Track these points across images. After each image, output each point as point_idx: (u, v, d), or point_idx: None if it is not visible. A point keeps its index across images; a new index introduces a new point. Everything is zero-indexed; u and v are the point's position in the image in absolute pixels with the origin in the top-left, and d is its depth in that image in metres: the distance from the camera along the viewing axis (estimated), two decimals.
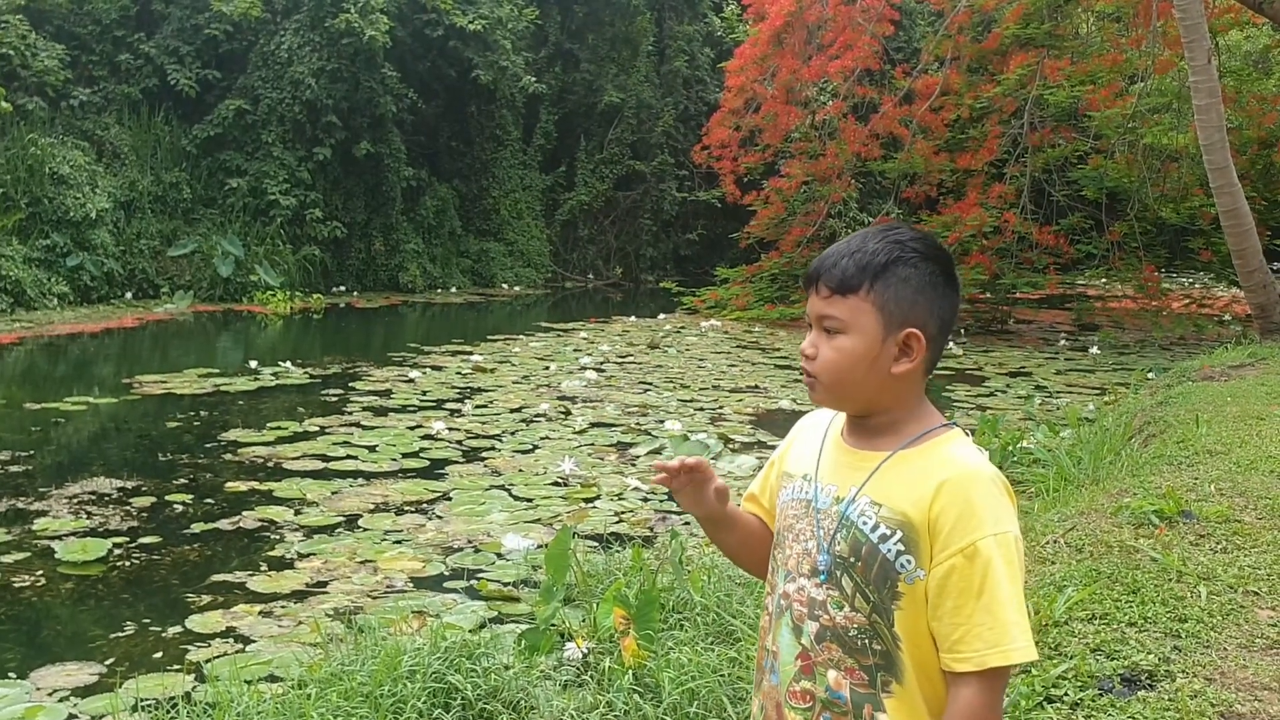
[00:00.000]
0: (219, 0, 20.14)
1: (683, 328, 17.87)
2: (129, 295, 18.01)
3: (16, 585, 5.46)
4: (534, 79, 24.28)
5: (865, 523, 1.50)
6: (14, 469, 7.68)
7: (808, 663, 1.54)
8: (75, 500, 6.91)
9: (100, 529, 6.35)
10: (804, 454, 1.66)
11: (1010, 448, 7.92)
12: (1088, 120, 18.26)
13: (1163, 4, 15.35)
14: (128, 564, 5.83)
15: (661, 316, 19.50)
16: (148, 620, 5.11)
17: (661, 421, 9.73)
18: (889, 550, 1.48)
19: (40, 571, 5.65)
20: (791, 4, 17.59)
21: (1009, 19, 17.87)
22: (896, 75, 20.20)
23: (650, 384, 12.11)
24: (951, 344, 15.55)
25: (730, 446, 8.87)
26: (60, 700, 4.28)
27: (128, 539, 6.19)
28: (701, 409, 10.65)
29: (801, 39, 18.34)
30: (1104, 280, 19.90)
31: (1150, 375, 11.71)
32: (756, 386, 12.10)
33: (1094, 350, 15.15)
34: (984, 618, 1.41)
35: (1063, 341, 16.46)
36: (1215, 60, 12.92)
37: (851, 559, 1.51)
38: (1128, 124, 16.83)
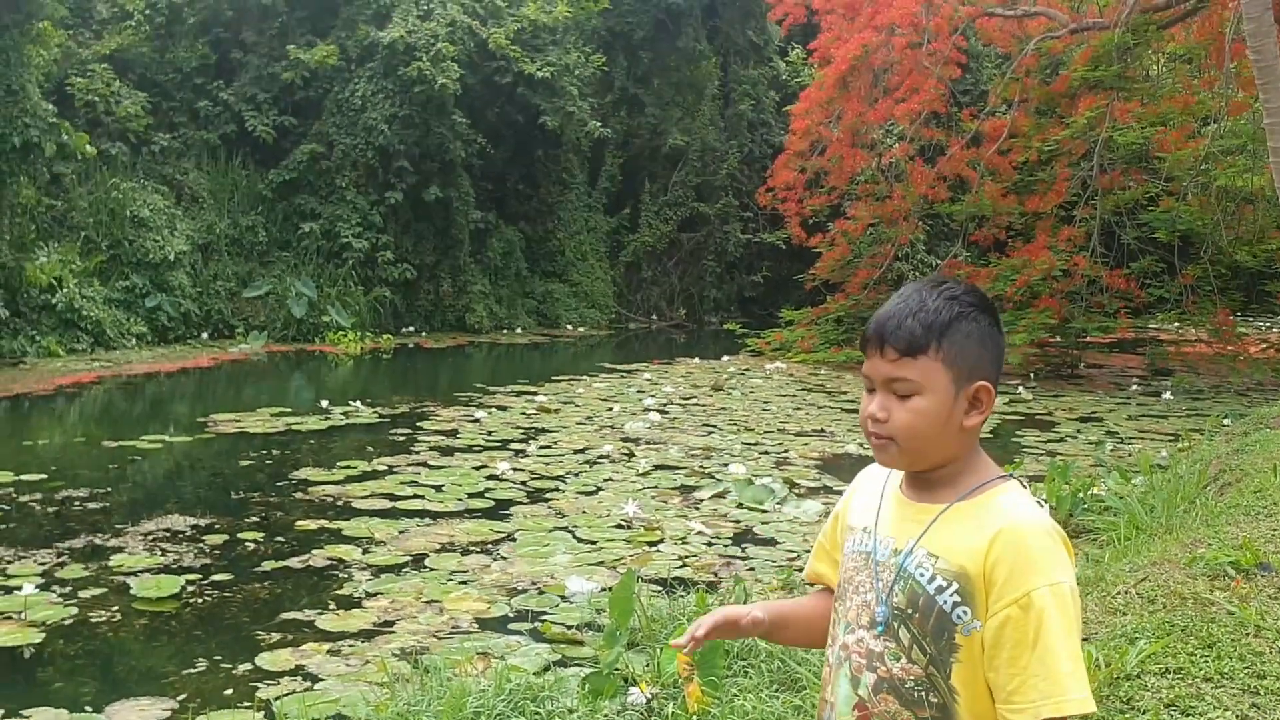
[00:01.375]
0: (296, 49, 20.70)
1: (747, 370, 17.84)
2: (205, 335, 18.46)
3: (93, 620, 5.60)
4: (600, 124, 24.53)
5: (922, 574, 1.52)
6: (92, 505, 7.89)
7: (864, 714, 1.56)
8: (150, 537, 7.07)
9: (174, 566, 6.49)
10: (864, 507, 1.68)
11: (1081, 494, 7.79)
12: (1159, 162, 18.01)
13: (1236, 45, 15.15)
14: (200, 601, 5.95)
15: (725, 358, 19.48)
16: (219, 657, 5.20)
17: (725, 465, 9.71)
18: (945, 601, 1.49)
19: (116, 607, 5.79)
20: (857, 48, 17.62)
21: (1077, 61, 17.75)
22: (964, 118, 20.14)
23: (714, 426, 12.10)
24: (1020, 388, 15.39)
25: (795, 491, 8.82)
26: None
27: (200, 576, 6.31)
28: (766, 452, 10.61)
29: (867, 82, 18.36)
30: (1177, 324, 19.52)
31: (1226, 421, 11.43)
32: (822, 430, 12.03)
33: (1167, 395, 14.84)
34: (1038, 668, 1.42)
35: (1135, 386, 16.15)
36: None
37: (909, 610, 1.52)
38: (1200, 166, 16.56)
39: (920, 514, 1.57)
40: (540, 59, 22.27)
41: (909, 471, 1.61)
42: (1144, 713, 2.79)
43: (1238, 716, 2.74)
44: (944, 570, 1.50)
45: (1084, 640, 3.32)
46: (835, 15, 18.83)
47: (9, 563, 6.40)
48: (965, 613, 1.48)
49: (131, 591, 5.98)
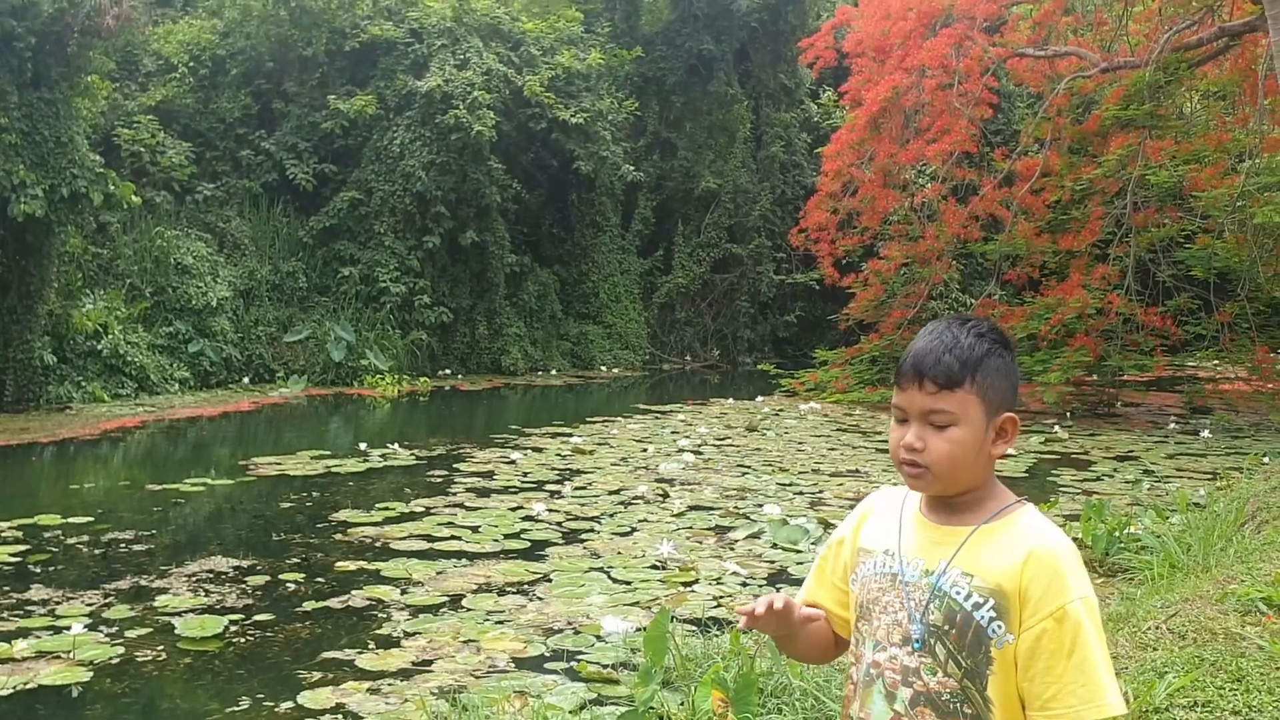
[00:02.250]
0: (336, 99, 21.15)
1: (781, 410, 17.87)
2: (246, 380, 18.77)
3: (139, 660, 5.72)
4: (633, 167, 24.84)
5: (958, 593, 1.63)
6: (137, 548, 8.05)
7: None
8: (194, 578, 7.21)
9: (217, 606, 6.62)
10: (881, 530, 1.77)
11: (1117, 533, 7.75)
12: (1194, 200, 17.96)
13: (1270, 81, 15.15)
14: (243, 640, 6.06)
15: (759, 399, 19.52)
16: (261, 695, 5.30)
17: (760, 505, 9.74)
18: (982, 617, 1.60)
19: (161, 647, 5.91)
20: (888, 90, 17.76)
21: (1109, 100, 17.79)
22: (996, 157, 20.18)
23: (748, 467, 12.14)
24: (1057, 427, 15.32)
25: (830, 532, 8.82)
26: None
27: (243, 616, 6.43)
28: (801, 493, 10.64)
29: (899, 124, 18.48)
30: (1215, 362, 19.35)
31: (1265, 460, 11.33)
32: (857, 470, 12.03)
33: (1205, 434, 14.71)
34: (1076, 676, 1.54)
35: (1173, 425, 16.01)
36: None
37: (946, 627, 1.63)
38: (1236, 203, 16.50)
39: (948, 536, 1.68)
40: (574, 105, 22.62)
41: (935, 496, 1.71)
42: None
43: None
44: (980, 588, 1.62)
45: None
46: (865, 58, 19.00)
47: (57, 604, 6.55)
48: (1000, 627, 1.59)
49: (176, 631, 6.11)
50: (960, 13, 17.56)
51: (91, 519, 8.87)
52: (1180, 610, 4.12)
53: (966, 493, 1.69)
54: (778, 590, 6.84)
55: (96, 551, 7.89)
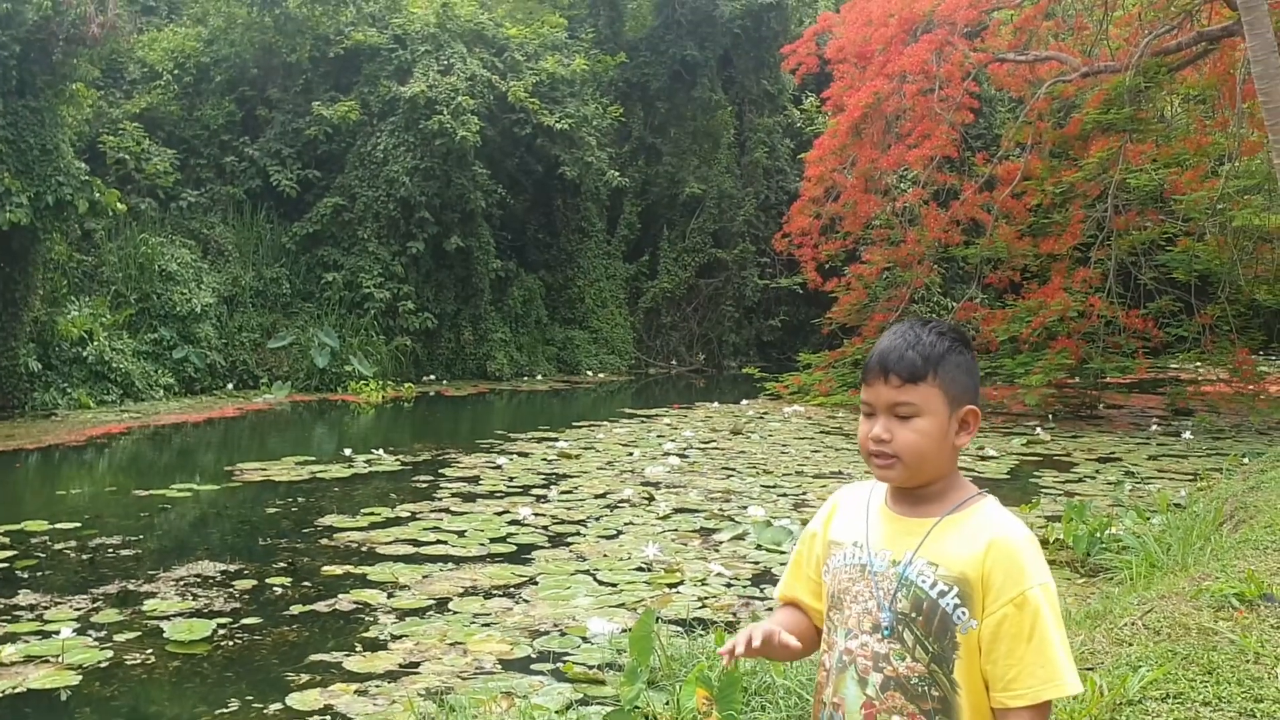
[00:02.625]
0: (320, 105, 21.16)
1: (765, 413, 17.95)
2: (230, 386, 18.76)
3: (128, 663, 5.74)
4: (618, 173, 24.92)
5: (924, 581, 1.71)
6: (124, 552, 8.07)
7: (871, 710, 1.73)
8: (181, 582, 7.24)
9: (205, 610, 6.64)
10: (849, 523, 1.85)
11: (1098, 534, 7.85)
12: (1174, 203, 18.12)
13: (1248, 86, 15.32)
14: (231, 643, 6.09)
15: (744, 402, 19.60)
16: (250, 697, 5.33)
17: (745, 507, 9.81)
18: (947, 604, 1.68)
19: (149, 650, 5.94)
20: (869, 96, 17.88)
21: (1090, 104, 17.93)
22: (977, 161, 20.32)
23: (733, 470, 12.21)
24: (1039, 429, 15.44)
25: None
26: None
27: (230, 620, 6.46)
28: (785, 494, 10.71)
29: (880, 129, 18.60)
30: (1197, 364, 19.52)
31: (1244, 460, 11.46)
32: (840, 472, 12.11)
33: (1187, 435, 14.84)
34: (1036, 658, 1.63)
35: (1155, 426, 16.14)
36: None
37: (913, 614, 1.71)
38: (1216, 206, 16.66)
39: (913, 528, 1.76)
40: (559, 111, 22.69)
41: (903, 487, 1.80)
42: None
43: None
44: (944, 576, 1.70)
45: (1089, 669, 3.44)
46: (847, 64, 19.12)
47: (45, 608, 6.57)
48: (964, 613, 1.68)
49: (164, 635, 6.13)
50: (941, 19, 17.69)
51: (78, 524, 8.88)
52: (1156, 607, 4.20)
53: (930, 484, 1.77)
54: (761, 591, 6.88)
55: (84, 557, 7.90)
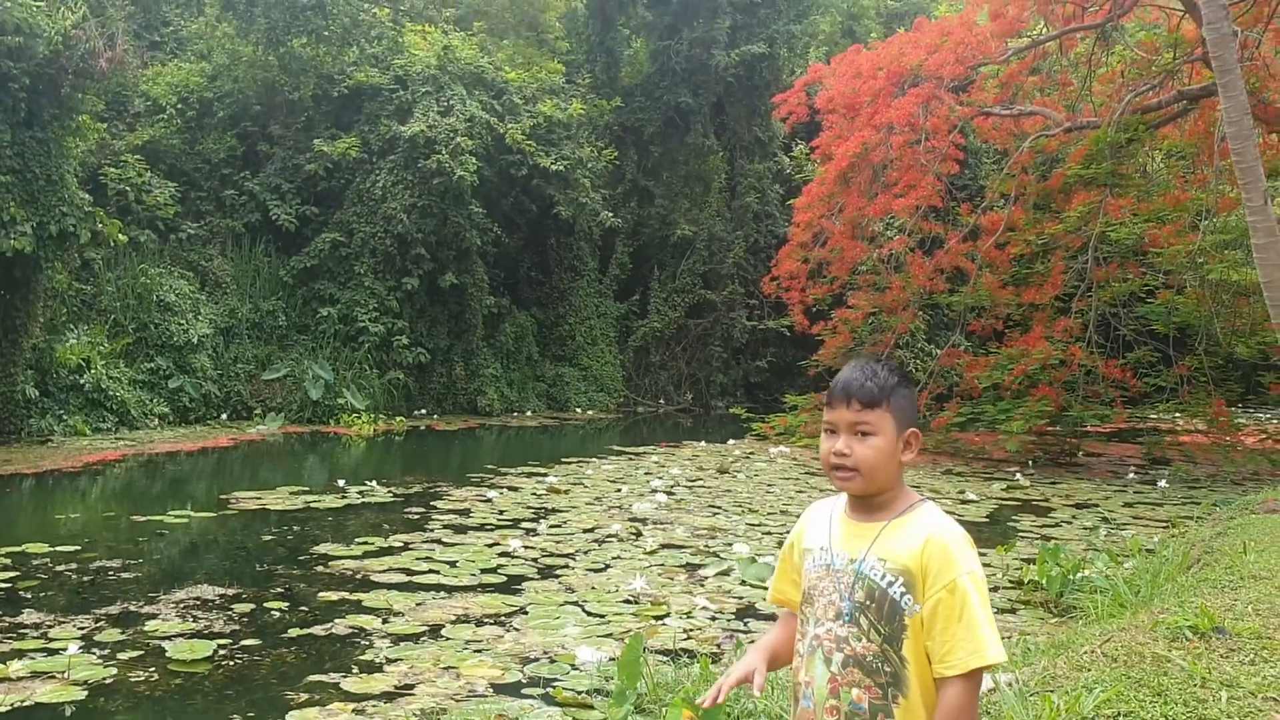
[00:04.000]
0: (321, 141, 21.53)
1: (752, 453, 18.21)
2: (224, 416, 18.96)
3: (132, 680, 5.96)
4: (611, 214, 25.35)
5: (876, 574, 2.07)
6: (124, 575, 8.28)
7: (835, 685, 2.07)
8: (181, 605, 7.45)
9: (205, 631, 6.86)
10: (816, 532, 2.23)
11: (1071, 576, 8.12)
12: (1154, 256, 18.53)
13: (1225, 144, 15.76)
14: (231, 663, 6.30)
15: (731, 442, 19.86)
16: (251, 715, 5.55)
17: (730, 544, 10.05)
18: (895, 592, 2.04)
19: (152, 668, 6.15)
20: (857, 146, 18.31)
21: (1072, 159, 18.38)
22: (962, 212, 20.74)
23: (719, 508, 12.45)
24: (1019, 475, 15.74)
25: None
26: None
27: (230, 641, 6.68)
28: (769, 532, 10.95)
29: (867, 178, 19.02)
30: (1174, 415, 19.85)
31: (1216, 508, 11.75)
32: None
33: (1163, 484, 15.14)
34: (965, 634, 1.97)
35: (1132, 475, 16.45)
36: (1272, 200, 13.22)
37: (868, 602, 2.06)
38: (1195, 260, 17.06)
39: (866, 531, 2.13)
40: (555, 153, 23.12)
41: (858, 496, 2.16)
42: None
43: None
44: (892, 569, 2.06)
45: (1049, 691, 3.71)
46: (836, 114, 19.57)
47: (49, 627, 6.78)
48: (909, 600, 2.03)
49: (167, 654, 6.35)
50: (928, 73, 18.17)
51: (78, 548, 9.09)
52: (1114, 637, 4.48)
53: (881, 494, 2.13)
54: (744, 625, 7.13)
55: (85, 579, 8.11)
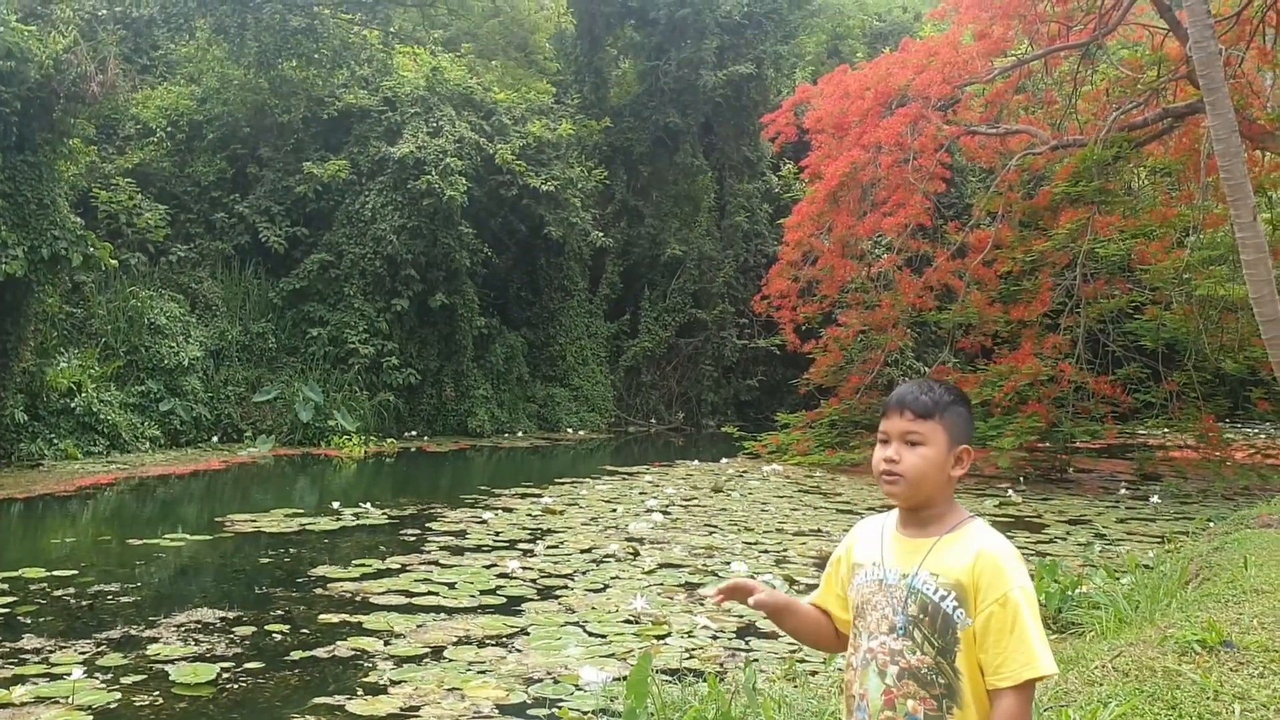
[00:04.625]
0: (311, 164, 21.56)
1: (745, 472, 18.24)
2: (215, 439, 18.88)
3: (136, 704, 5.93)
4: (601, 234, 25.43)
5: (929, 588, 2.11)
6: (124, 599, 8.24)
7: (890, 697, 2.12)
8: (182, 628, 7.42)
9: (208, 655, 6.83)
10: (867, 548, 2.27)
11: (1069, 592, 8.15)
12: (1141, 273, 18.67)
13: (1211, 160, 15.92)
14: (235, 686, 6.28)
15: (724, 461, 19.88)
16: None
17: (728, 563, 10.06)
18: (948, 606, 2.09)
19: (157, 692, 6.12)
20: (846, 165, 18.44)
21: (1059, 177, 18.54)
22: (949, 230, 20.88)
23: (715, 526, 12.47)
24: (1010, 491, 15.80)
25: (796, 588, 9.17)
26: None
27: (233, 664, 6.66)
28: (766, 551, 10.97)
29: (856, 197, 19.15)
30: (1164, 430, 19.95)
31: (1210, 523, 11.82)
32: (819, 530, 12.40)
33: (1155, 499, 15.22)
34: (1017, 646, 2.02)
35: (1123, 490, 16.53)
36: (1260, 216, 13.35)
37: (921, 616, 2.11)
38: (1182, 275, 17.20)
39: (918, 547, 2.18)
40: (545, 173, 23.18)
41: (906, 508, 2.21)
42: None
43: None
44: (944, 584, 2.10)
45: (1064, 706, 3.73)
46: (825, 134, 19.72)
47: (51, 652, 6.74)
48: (961, 613, 2.08)
49: (170, 678, 6.32)
50: (916, 93, 18.33)
51: (75, 572, 9.04)
52: (1124, 652, 4.51)
53: (930, 508, 2.18)
54: (746, 644, 7.15)
55: (84, 603, 8.07)
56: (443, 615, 8.03)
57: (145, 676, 6.36)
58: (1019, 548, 8.19)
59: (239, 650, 6.96)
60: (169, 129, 21.24)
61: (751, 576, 9.06)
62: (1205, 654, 4.32)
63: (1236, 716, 3.53)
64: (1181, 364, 18.16)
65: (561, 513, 13.25)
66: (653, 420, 29.09)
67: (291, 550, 10.47)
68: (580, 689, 6.35)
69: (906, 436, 2.18)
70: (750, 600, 2.30)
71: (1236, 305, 17.21)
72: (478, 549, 10.74)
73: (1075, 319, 18.00)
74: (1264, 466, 17.60)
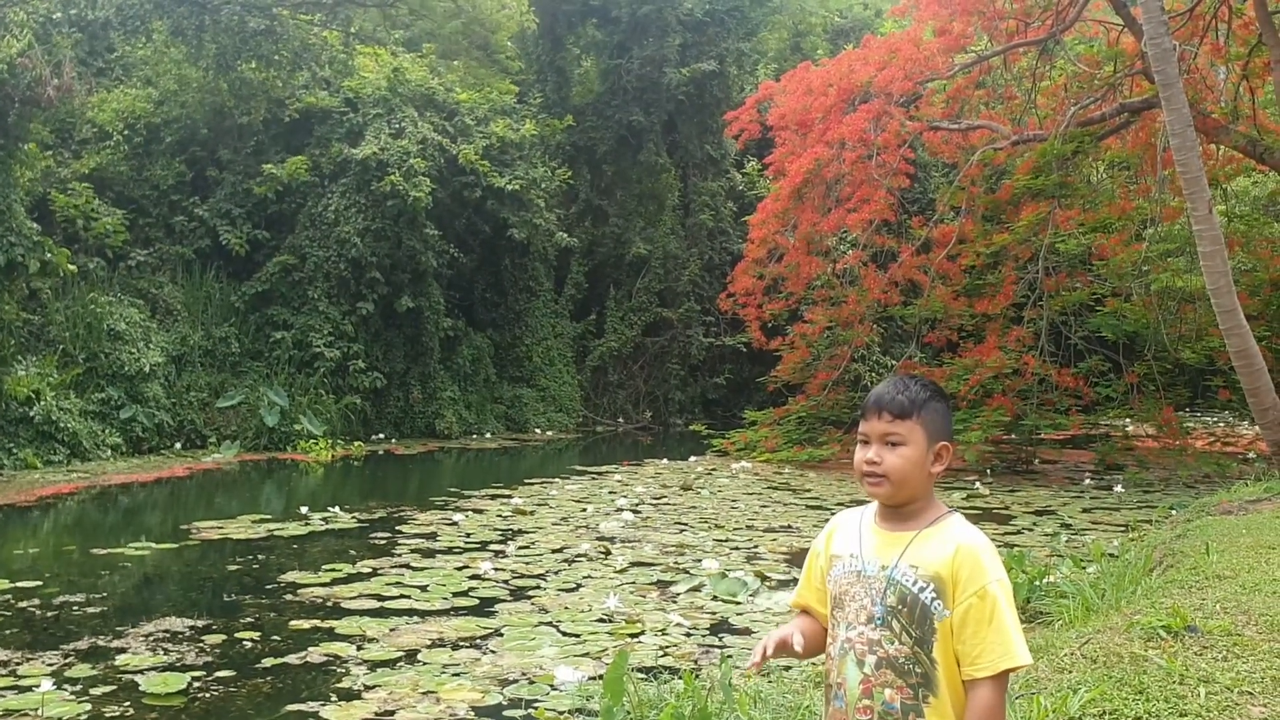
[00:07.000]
0: (270, 164, 21.37)
1: (714, 470, 18.29)
2: (178, 445, 18.67)
3: (107, 715, 5.86)
4: (566, 234, 25.40)
5: (908, 580, 2.14)
6: (90, 610, 8.14)
7: (868, 685, 2.15)
8: (151, 638, 7.34)
9: (178, 664, 6.76)
10: (846, 540, 2.29)
11: (1036, 582, 8.23)
12: (1101, 266, 18.90)
13: (1168, 154, 16.16)
14: (207, 695, 6.22)
15: (693, 459, 19.93)
16: None
17: (699, 560, 10.09)
18: (926, 598, 2.12)
19: (127, 703, 6.05)
20: (810, 162, 18.54)
21: (1020, 171, 18.76)
22: (914, 225, 21.05)
23: (686, 524, 12.50)
24: (977, 484, 15.95)
25: (767, 584, 9.22)
26: None
27: (204, 673, 6.59)
28: (737, 548, 11.01)
29: (821, 193, 19.25)
30: (1126, 421, 20.22)
31: (1173, 511, 11.99)
32: (789, 526, 12.46)
33: (1119, 489, 15.43)
34: (995, 637, 2.06)
35: (1088, 480, 16.73)
36: (1215, 209, 13.57)
37: (900, 607, 2.14)
38: (1140, 268, 17.44)
39: (898, 540, 2.21)
40: (508, 173, 23.12)
41: (887, 505, 2.24)
42: None
43: None
44: (923, 576, 2.14)
45: (1034, 693, 3.78)
46: (788, 131, 19.81)
47: (18, 664, 6.65)
48: (939, 605, 2.11)
49: (141, 688, 6.25)
50: (878, 89, 18.45)
51: (39, 582, 8.92)
52: (1092, 639, 4.57)
53: (910, 504, 2.21)
54: (719, 640, 7.18)
55: (49, 614, 7.96)
56: (415, 618, 7.99)
57: (115, 687, 6.28)
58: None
59: (209, 659, 6.90)
60: (126, 132, 20.95)
61: (723, 575, 9.14)
62: (1170, 639, 4.39)
63: (1202, 699, 3.59)
64: (1142, 355, 18.40)
65: (532, 513, 13.22)
66: (620, 419, 29.10)
67: (260, 557, 10.38)
68: (555, 689, 6.35)
69: (886, 438, 2.21)
70: (792, 643, 2.26)
71: (1194, 296, 17.48)
72: (449, 551, 10.70)
73: (1038, 312, 18.22)
74: (1222, 455, 17.87)
